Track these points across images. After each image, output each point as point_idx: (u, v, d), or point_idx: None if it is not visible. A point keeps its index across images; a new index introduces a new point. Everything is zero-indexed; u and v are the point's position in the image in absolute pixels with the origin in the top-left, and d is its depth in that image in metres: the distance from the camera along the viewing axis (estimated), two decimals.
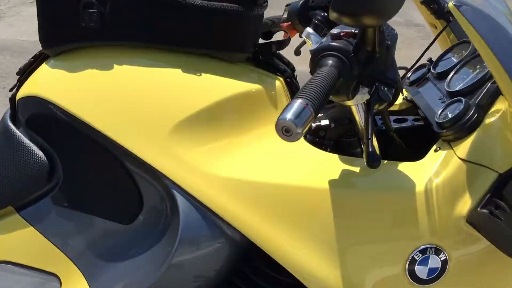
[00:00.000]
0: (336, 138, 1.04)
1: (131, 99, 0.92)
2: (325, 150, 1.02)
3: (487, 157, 0.86)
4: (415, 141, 1.04)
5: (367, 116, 0.78)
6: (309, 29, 1.13)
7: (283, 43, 1.01)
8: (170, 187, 0.89)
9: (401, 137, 1.04)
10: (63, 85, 0.96)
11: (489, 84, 0.90)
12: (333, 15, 0.72)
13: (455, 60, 1.08)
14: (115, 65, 0.93)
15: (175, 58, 0.94)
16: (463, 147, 0.87)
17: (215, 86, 0.93)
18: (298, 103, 0.67)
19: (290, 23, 1.20)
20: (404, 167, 0.90)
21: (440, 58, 1.12)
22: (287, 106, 0.68)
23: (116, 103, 0.92)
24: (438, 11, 1.09)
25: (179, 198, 0.88)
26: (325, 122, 1.02)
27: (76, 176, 0.98)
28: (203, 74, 0.93)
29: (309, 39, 1.13)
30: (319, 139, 1.03)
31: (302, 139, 0.94)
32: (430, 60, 1.14)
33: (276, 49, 1.00)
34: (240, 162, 0.90)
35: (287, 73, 1.00)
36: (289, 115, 0.66)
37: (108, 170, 0.95)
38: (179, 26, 0.92)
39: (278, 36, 1.08)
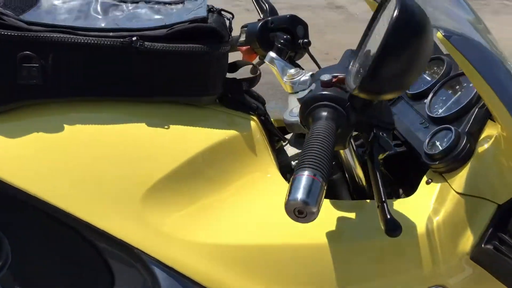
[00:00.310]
0: None
1: (88, 164, 0.78)
2: None
3: (484, 189, 0.82)
4: (398, 168, 0.99)
5: (374, 172, 0.70)
6: (272, 54, 1.04)
7: (254, 80, 0.91)
8: (148, 262, 0.77)
9: (384, 165, 0.98)
10: (1, 152, 0.80)
11: (476, 109, 0.86)
12: (355, 92, 0.64)
13: (429, 78, 1.03)
14: (64, 125, 0.79)
15: (137, 111, 0.81)
16: (459, 180, 0.82)
17: (186, 140, 0.81)
18: (305, 176, 0.58)
19: (249, 46, 1.10)
20: (400, 205, 0.84)
21: None
22: (293, 182, 0.58)
23: (70, 170, 0.78)
24: None
25: (160, 274, 0.77)
26: None
27: (27, 253, 0.83)
28: (171, 127, 0.81)
29: (273, 64, 1.04)
30: None
31: (285, 184, 0.86)
32: None
33: (248, 87, 0.90)
34: (222, 223, 0.80)
35: (260, 110, 0.91)
36: (299, 194, 0.57)
37: (66, 245, 0.82)
38: (138, 75, 0.79)
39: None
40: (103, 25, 0.83)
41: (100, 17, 0.88)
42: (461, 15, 0.96)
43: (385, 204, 0.67)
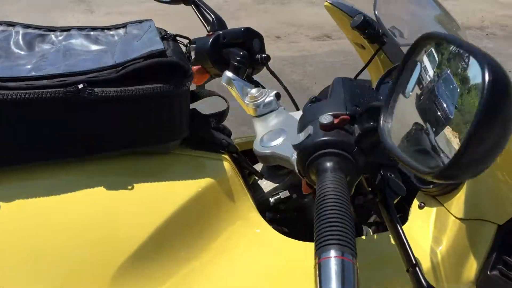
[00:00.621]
0: (297, 207, 0.87)
1: (35, 253, 0.62)
2: (290, 224, 0.85)
3: (483, 209, 0.77)
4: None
5: (395, 227, 0.60)
6: (228, 74, 0.92)
7: (222, 115, 0.78)
8: None
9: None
10: None
11: None
12: (428, 177, 0.49)
13: None
14: (1, 204, 0.62)
15: (92, 171, 0.66)
16: (457, 203, 0.77)
17: (152, 203, 0.67)
18: (332, 259, 0.47)
19: (200, 66, 0.97)
20: None
21: (380, 83, 1.00)
22: (320, 270, 0.47)
23: (18, 255, 0.62)
24: (372, 35, 0.95)
25: None
26: (285, 194, 0.84)
27: None
28: (135, 186, 0.67)
29: (231, 85, 0.92)
30: (281, 215, 0.85)
31: (272, 231, 0.76)
32: None
33: (216, 124, 0.77)
34: None
35: (231, 146, 0.78)
36: (332, 286, 0.46)
37: None
38: (89, 129, 0.64)
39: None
40: (29, 66, 0.66)
41: (23, 53, 0.71)
42: (431, 15, 0.90)
43: (417, 268, 0.58)
